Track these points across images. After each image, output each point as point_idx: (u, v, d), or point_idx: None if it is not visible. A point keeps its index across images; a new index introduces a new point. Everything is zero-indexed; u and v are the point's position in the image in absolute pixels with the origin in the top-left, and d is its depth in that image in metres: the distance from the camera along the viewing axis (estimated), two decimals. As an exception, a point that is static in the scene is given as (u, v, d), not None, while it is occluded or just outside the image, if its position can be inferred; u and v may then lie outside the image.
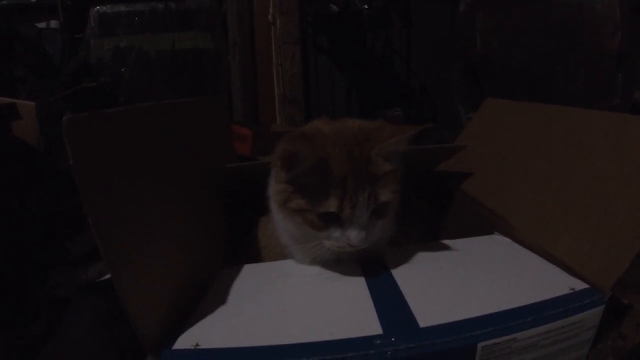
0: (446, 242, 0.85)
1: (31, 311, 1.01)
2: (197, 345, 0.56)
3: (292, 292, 0.71)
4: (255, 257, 0.90)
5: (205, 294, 0.72)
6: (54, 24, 2.11)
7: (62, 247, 1.17)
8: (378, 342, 0.53)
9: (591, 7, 1.66)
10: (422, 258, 0.79)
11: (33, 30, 2.02)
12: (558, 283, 0.64)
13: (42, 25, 2.10)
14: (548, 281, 0.66)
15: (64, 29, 2.08)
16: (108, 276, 1.04)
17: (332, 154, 0.68)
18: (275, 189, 0.75)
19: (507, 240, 0.83)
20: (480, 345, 0.53)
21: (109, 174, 0.56)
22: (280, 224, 0.79)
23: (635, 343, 0.78)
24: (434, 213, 1.11)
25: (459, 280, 0.69)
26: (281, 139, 0.67)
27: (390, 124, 0.77)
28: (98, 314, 0.98)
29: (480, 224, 0.91)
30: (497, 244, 0.83)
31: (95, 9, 2.03)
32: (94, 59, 2.00)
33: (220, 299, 0.68)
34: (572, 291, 0.62)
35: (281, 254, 0.85)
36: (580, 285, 0.63)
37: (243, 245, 0.96)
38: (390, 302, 0.63)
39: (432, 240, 0.85)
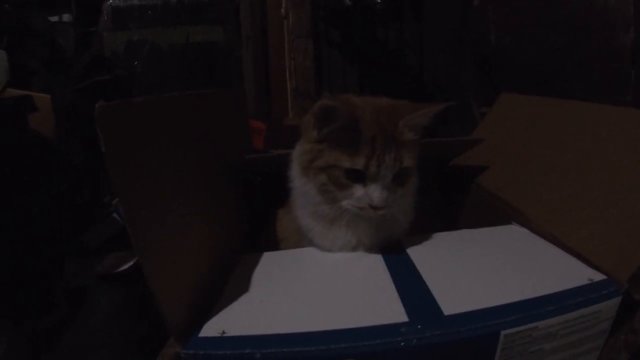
0: (465, 231, 0.86)
1: (48, 301, 1.02)
2: (223, 332, 0.57)
3: (315, 279, 0.72)
4: (274, 249, 0.91)
5: (228, 280, 0.73)
6: (66, 17, 2.11)
7: (78, 238, 1.18)
8: (404, 329, 0.54)
9: (604, 3, 1.65)
10: (442, 246, 0.80)
11: (46, 23, 2.02)
12: (576, 273, 0.65)
13: (54, 19, 2.10)
14: (566, 271, 0.66)
15: (76, 23, 2.08)
16: (124, 267, 1.06)
17: (363, 116, 0.71)
18: (302, 149, 0.77)
19: (525, 230, 0.84)
20: (503, 333, 0.54)
21: (138, 160, 0.57)
22: (300, 192, 0.81)
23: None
24: (447, 206, 1.11)
25: (479, 269, 0.70)
26: (320, 99, 0.70)
27: None
28: (115, 304, 1.00)
29: (496, 216, 0.91)
30: (515, 233, 0.83)
31: (108, 2, 2.03)
32: (107, 52, 2.00)
33: (244, 286, 0.69)
34: (590, 282, 0.62)
35: (299, 245, 0.86)
36: (598, 276, 0.64)
37: (262, 237, 0.97)
38: (413, 290, 0.64)
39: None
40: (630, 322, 0.79)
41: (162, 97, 0.71)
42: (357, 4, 2.08)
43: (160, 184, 0.62)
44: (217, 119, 0.95)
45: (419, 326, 0.54)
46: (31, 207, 1.14)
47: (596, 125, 0.84)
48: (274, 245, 0.92)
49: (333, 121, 0.69)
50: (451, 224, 1.05)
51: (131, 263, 1.06)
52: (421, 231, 0.84)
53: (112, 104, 0.53)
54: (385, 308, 0.59)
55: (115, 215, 1.17)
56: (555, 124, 0.95)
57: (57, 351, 0.92)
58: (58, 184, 1.26)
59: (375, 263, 0.74)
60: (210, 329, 0.58)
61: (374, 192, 0.70)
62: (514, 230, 0.85)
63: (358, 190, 0.72)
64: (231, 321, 0.60)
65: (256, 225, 1.00)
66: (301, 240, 0.86)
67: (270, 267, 0.78)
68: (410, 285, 0.65)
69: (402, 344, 0.53)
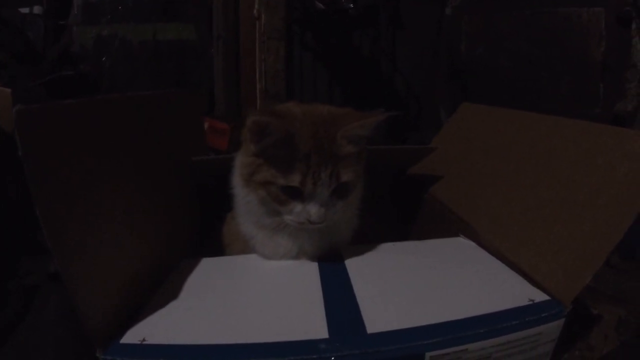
0: (410, 242, 0.85)
1: (0, 298, 1.01)
2: (143, 340, 0.56)
3: (246, 290, 0.71)
4: (220, 253, 0.90)
5: (159, 286, 0.71)
6: (37, 9, 2.09)
7: (33, 235, 1.16)
8: (322, 346, 0.53)
9: (577, 17, 1.67)
10: (383, 259, 0.79)
11: (16, 15, 2.00)
12: (517, 293, 0.63)
13: (25, 10, 2.07)
14: (507, 290, 0.64)
15: (47, 15, 2.05)
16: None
17: (299, 130, 0.69)
18: (242, 162, 0.76)
19: (472, 243, 0.82)
20: (428, 355, 0.53)
21: (60, 166, 0.55)
22: (242, 202, 0.80)
23: (601, 355, 0.78)
24: (399, 215, 1.10)
25: (417, 285, 0.68)
26: (252, 112, 0.68)
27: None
28: (64, 304, 0.98)
29: (447, 228, 0.90)
30: (461, 247, 0.82)
31: (80, -5, 2.01)
32: (77, 46, 1.98)
33: (174, 293, 0.68)
34: (530, 302, 0.61)
35: (244, 251, 0.85)
36: (540, 296, 0.62)
37: (211, 241, 0.96)
38: (341, 305, 0.62)
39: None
40: (586, 338, 0.79)
41: (98, 99, 0.69)
42: (331, 8, 2.07)
43: (89, 190, 0.59)
44: (167, 120, 0.93)
45: (338, 344, 0.53)
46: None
47: (553, 140, 0.82)
48: (221, 250, 0.91)
49: (267, 137, 0.68)
50: (402, 235, 1.04)
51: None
52: (367, 241, 0.83)
53: (33, 107, 0.51)
54: (309, 323, 0.58)
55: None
56: (512, 137, 0.93)
57: (4, 349, 0.90)
58: (15, 179, 1.24)
59: (310, 275, 0.73)
60: (132, 335, 0.57)
61: (312, 209, 0.70)
62: (461, 244, 0.83)
63: (296, 207, 0.71)
64: (154, 329, 0.58)
65: (211, 229, 0.99)
66: (245, 246, 0.85)
67: (206, 274, 0.76)
68: (339, 300, 0.63)
69: (319, 361, 0.51)
